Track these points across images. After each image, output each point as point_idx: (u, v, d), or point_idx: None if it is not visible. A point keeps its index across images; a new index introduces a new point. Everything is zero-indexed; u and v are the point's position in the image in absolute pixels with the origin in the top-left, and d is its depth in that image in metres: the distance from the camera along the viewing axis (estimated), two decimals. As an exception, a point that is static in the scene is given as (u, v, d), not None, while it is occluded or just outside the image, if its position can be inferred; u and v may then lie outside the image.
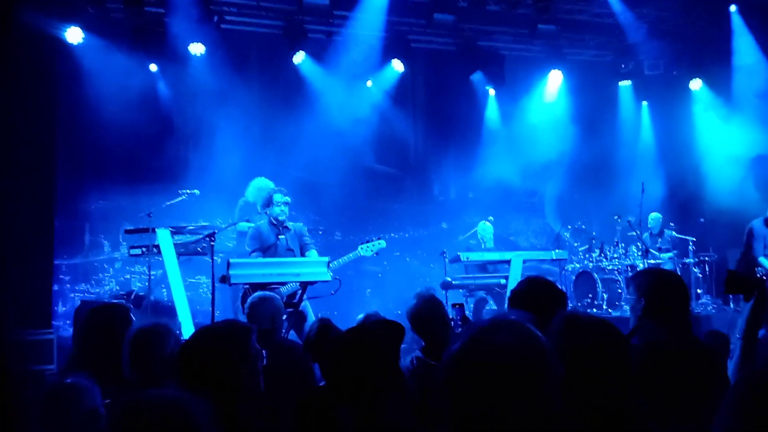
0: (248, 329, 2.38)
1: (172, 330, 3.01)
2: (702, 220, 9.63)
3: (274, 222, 6.13)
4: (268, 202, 6.14)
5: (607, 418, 1.75)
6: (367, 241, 6.22)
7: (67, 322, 7.76)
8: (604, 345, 1.80)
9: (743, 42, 9.53)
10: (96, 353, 3.04)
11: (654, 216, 9.32)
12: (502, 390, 1.29)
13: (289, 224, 6.24)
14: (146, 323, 3.05)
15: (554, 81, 10.58)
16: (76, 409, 2.32)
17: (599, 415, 1.73)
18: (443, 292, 7.52)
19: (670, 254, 8.98)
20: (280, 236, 6.13)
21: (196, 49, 8.65)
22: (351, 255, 6.13)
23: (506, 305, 3.05)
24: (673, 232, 9.31)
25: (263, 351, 2.59)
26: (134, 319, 3.51)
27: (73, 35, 7.92)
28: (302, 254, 6.16)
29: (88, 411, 2.33)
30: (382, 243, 6.24)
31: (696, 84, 10.36)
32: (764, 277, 6.54)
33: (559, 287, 3.02)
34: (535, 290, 2.86)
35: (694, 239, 8.96)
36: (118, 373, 2.85)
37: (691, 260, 8.77)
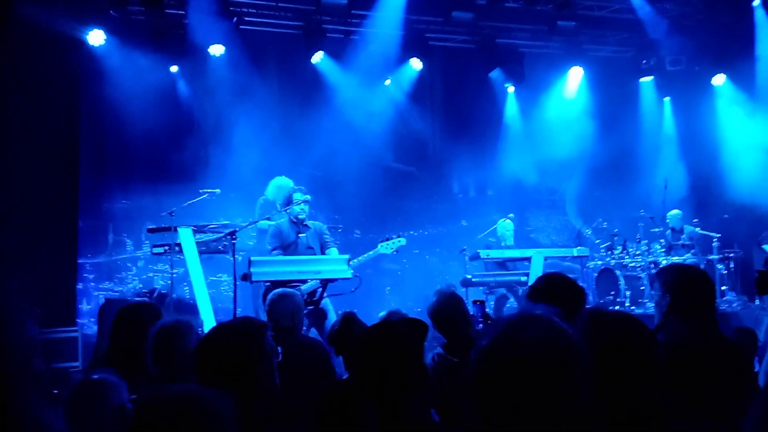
0: (263, 326, 2.40)
1: (193, 326, 3.05)
2: (726, 216, 9.48)
3: (294, 220, 6.16)
4: (288, 201, 6.17)
5: (635, 415, 1.73)
6: (387, 239, 6.22)
7: (92, 319, 7.87)
8: (632, 341, 1.79)
9: (767, 36, 9.37)
10: (126, 350, 3.08)
11: (672, 213, 9.22)
12: (532, 384, 1.28)
13: (309, 222, 6.27)
14: (168, 320, 3.08)
15: (574, 77, 10.50)
16: (105, 405, 2.35)
17: (627, 412, 1.71)
18: (463, 289, 7.50)
19: (692, 251, 8.88)
20: (300, 234, 6.16)
21: (216, 49, 8.73)
22: (371, 253, 6.14)
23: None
24: (697, 229, 9.19)
25: (279, 348, 2.61)
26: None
27: (96, 37, 8.03)
28: (322, 252, 6.19)
29: (116, 406, 2.36)
30: (402, 240, 6.24)
31: (719, 79, 10.20)
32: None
33: (579, 283, 3.01)
34: (554, 285, 2.85)
35: (719, 235, 8.83)
36: (144, 369, 2.89)
37: (716, 257, 8.65)
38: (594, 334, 1.83)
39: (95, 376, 2.48)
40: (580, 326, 1.87)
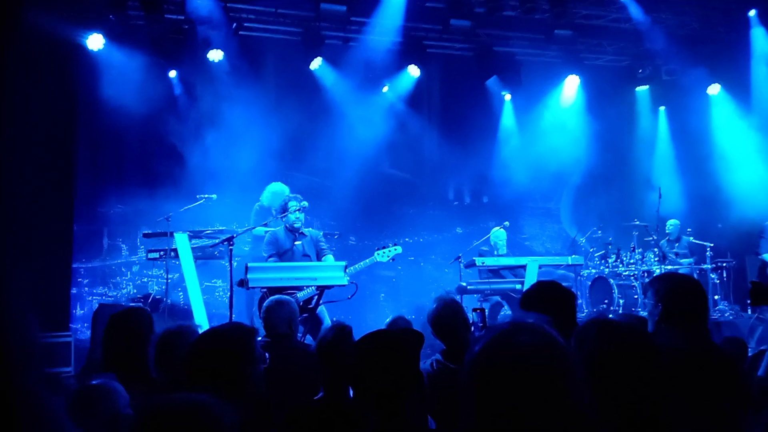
0: (252, 331, 2.42)
1: (197, 332, 3.05)
2: (720, 225, 9.54)
3: (290, 228, 6.17)
4: (284, 209, 6.17)
5: (641, 423, 1.74)
6: (384, 247, 6.24)
7: (85, 325, 7.86)
8: (636, 349, 1.80)
9: (762, 47, 9.46)
10: (120, 356, 3.08)
11: (672, 222, 9.27)
12: (523, 390, 1.30)
13: (305, 230, 6.28)
14: (172, 325, 3.08)
15: (571, 86, 10.55)
16: (107, 410, 2.35)
17: (633, 419, 1.73)
18: (458, 297, 7.51)
19: (688, 260, 8.91)
20: (296, 242, 6.17)
21: (215, 55, 8.74)
22: (367, 261, 6.15)
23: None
24: (691, 238, 9.25)
25: (274, 354, 2.61)
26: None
27: (94, 42, 8.04)
28: (318, 260, 6.19)
29: (117, 412, 2.37)
30: (398, 249, 6.26)
31: (714, 89, 10.27)
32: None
33: (571, 290, 3.04)
34: (546, 293, 2.88)
35: (712, 245, 8.88)
36: (145, 375, 2.88)
37: (709, 266, 8.69)
38: (601, 342, 1.85)
39: (96, 382, 2.49)
40: (583, 335, 1.89)
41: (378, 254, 6.19)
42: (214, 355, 2.24)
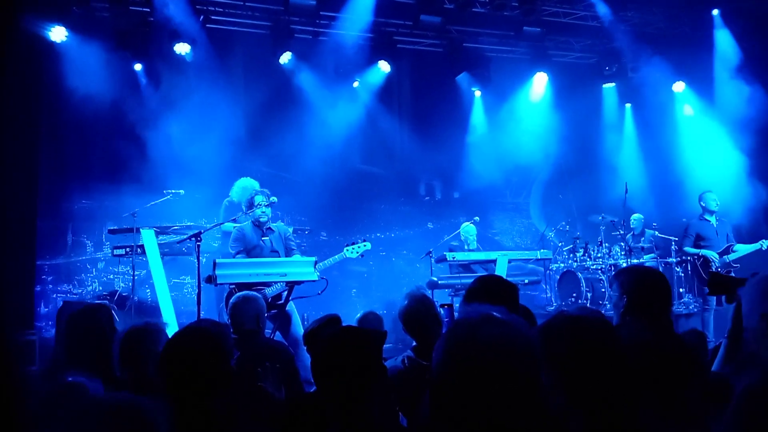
0: (226, 327, 2.41)
1: (163, 329, 3.00)
2: (684, 220, 9.75)
3: (257, 224, 6.11)
4: (250, 204, 6.11)
5: (608, 416, 1.76)
6: (353, 243, 6.22)
7: (50, 323, 7.69)
8: (599, 343, 1.82)
9: (725, 46, 9.67)
10: (84, 354, 3.01)
11: (636, 217, 9.45)
12: (494, 381, 1.31)
13: (274, 225, 6.22)
14: (137, 323, 3.03)
15: (539, 82, 10.65)
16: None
17: (601, 412, 1.75)
18: (429, 291, 7.54)
19: (652, 254, 9.09)
20: (264, 238, 6.11)
21: (182, 48, 8.58)
22: (336, 257, 6.12)
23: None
24: (656, 232, 9.43)
25: (242, 351, 2.58)
26: (117, 319, 3.48)
27: (57, 34, 7.84)
28: (287, 256, 6.14)
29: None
30: (368, 245, 6.25)
31: (679, 86, 10.48)
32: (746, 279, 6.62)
33: (510, 285, 3.06)
34: (489, 287, 2.91)
35: (677, 239, 9.07)
36: (108, 374, 2.82)
37: (674, 260, 8.88)
38: (566, 338, 1.87)
39: (71, 379, 2.44)
40: (548, 330, 1.90)
41: (347, 250, 6.17)
42: (192, 354, 2.22)
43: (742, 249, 7.73)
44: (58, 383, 2.46)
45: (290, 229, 6.45)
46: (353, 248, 6.17)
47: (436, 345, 1.41)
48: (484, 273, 8.20)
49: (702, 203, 7.96)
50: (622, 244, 8.76)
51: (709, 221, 7.93)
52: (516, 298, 2.93)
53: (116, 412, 1.45)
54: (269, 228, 6.15)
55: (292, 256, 6.11)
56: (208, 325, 2.42)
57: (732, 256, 7.65)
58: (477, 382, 1.32)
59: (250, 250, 6.03)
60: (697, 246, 7.88)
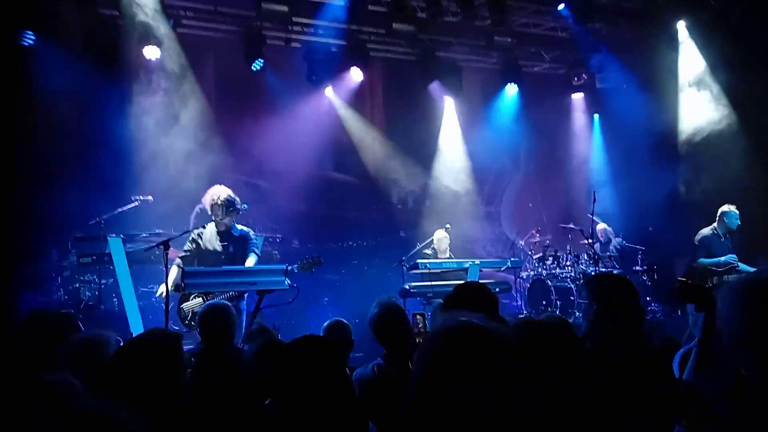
0: (179, 336, 2.39)
1: (112, 339, 2.98)
2: (651, 229, 9.93)
3: (219, 229, 6.09)
4: (212, 209, 6.09)
5: (567, 416, 1.77)
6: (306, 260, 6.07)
7: (12, 332, 7.46)
8: (561, 346, 1.83)
9: (690, 56, 9.91)
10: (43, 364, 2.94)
11: (601, 227, 9.60)
12: (474, 389, 1.30)
13: (237, 228, 6.20)
14: (86, 333, 2.99)
15: (510, 92, 10.76)
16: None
17: (561, 412, 1.76)
18: (401, 300, 7.53)
19: (617, 262, 9.23)
20: (222, 242, 6.09)
21: (151, 52, 8.46)
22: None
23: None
24: (623, 241, 9.58)
25: (193, 360, 2.55)
26: (83, 328, 3.41)
27: (25, 39, 7.66)
28: (244, 259, 6.09)
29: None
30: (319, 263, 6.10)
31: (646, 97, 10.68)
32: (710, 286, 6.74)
33: (491, 292, 3.07)
34: (468, 295, 2.92)
35: (643, 248, 9.23)
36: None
37: (640, 268, 9.02)
38: (527, 342, 1.88)
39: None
40: (514, 335, 1.91)
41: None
42: (141, 363, 2.19)
43: (744, 269, 7.45)
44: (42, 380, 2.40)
45: (250, 231, 6.37)
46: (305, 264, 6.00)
47: (417, 352, 1.40)
48: (456, 281, 8.23)
49: (726, 219, 7.62)
50: (590, 252, 8.88)
51: (721, 238, 7.67)
52: (496, 305, 2.94)
53: (93, 419, 1.41)
54: (231, 233, 6.12)
55: (248, 256, 6.05)
56: (158, 334, 2.40)
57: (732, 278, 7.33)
58: (459, 389, 1.31)
59: (206, 254, 5.99)
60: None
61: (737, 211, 7.67)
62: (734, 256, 7.56)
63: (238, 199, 6.18)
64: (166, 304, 5.47)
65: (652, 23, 10.03)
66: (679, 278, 2.75)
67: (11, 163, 7.91)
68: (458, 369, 1.33)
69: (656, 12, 9.83)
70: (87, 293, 7.84)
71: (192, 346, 4.12)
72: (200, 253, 6.06)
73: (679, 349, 3.17)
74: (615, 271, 8.78)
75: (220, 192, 6.26)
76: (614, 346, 2.56)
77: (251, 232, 6.35)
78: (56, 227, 8.22)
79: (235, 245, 6.08)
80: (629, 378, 2.39)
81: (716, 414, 2.15)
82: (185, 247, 6.06)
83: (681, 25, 9.92)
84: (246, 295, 6.04)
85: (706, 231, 7.78)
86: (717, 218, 7.74)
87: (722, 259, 7.55)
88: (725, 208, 7.70)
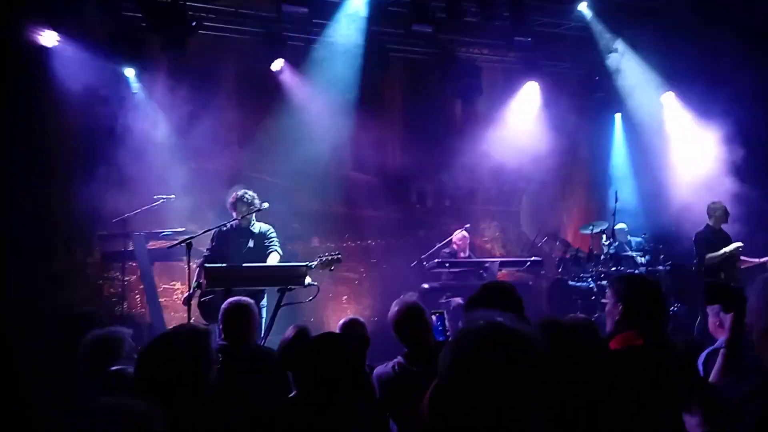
0: (207, 332, 2.38)
1: (125, 337, 3.01)
2: (673, 228, 9.81)
3: (239, 226, 6.18)
4: (234, 207, 6.20)
5: (585, 419, 1.77)
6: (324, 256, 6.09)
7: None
8: (584, 348, 1.83)
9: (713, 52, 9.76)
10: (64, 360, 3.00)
11: (619, 227, 9.49)
12: (500, 389, 1.31)
13: (255, 226, 6.27)
14: (99, 332, 3.03)
15: (530, 91, 10.71)
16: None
17: (578, 415, 1.75)
18: (420, 299, 7.53)
19: (642, 260, 9.13)
20: (241, 238, 6.18)
21: (174, 54, 8.54)
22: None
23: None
24: (643, 241, 9.48)
25: (220, 356, 2.57)
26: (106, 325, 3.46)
27: (48, 39, 7.79)
28: (266, 256, 6.15)
29: None
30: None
31: (668, 96, 10.57)
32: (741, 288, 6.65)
33: (517, 292, 3.04)
34: (494, 295, 2.90)
35: (661, 246, 9.13)
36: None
37: (663, 268, 8.92)
38: (550, 343, 1.88)
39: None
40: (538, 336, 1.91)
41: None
42: (167, 360, 2.20)
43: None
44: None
45: (271, 229, 6.44)
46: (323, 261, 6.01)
47: (443, 352, 1.40)
48: (476, 281, 8.21)
49: (716, 213, 7.95)
50: (612, 252, 8.80)
51: (717, 232, 7.93)
52: (521, 306, 2.92)
53: (114, 416, 1.43)
54: (251, 230, 6.20)
55: (270, 254, 6.13)
56: (190, 328, 2.41)
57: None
58: (486, 389, 1.31)
59: (227, 252, 6.02)
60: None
61: (724, 204, 7.99)
62: (740, 243, 7.71)
63: (257, 198, 6.25)
64: (189, 300, 5.53)
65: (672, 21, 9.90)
66: (706, 280, 2.73)
67: (36, 162, 8.05)
68: (488, 370, 1.33)
69: (676, 11, 9.70)
70: (110, 290, 7.96)
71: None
72: (222, 251, 6.12)
73: (704, 350, 3.14)
74: (636, 271, 8.70)
75: (240, 191, 6.33)
76: (640, 347, 2.54)
77: (271, 230, 6.40)
78: (80, 225, 8.34)
79: (256, 242, 6.14)
80: (656, 378, 2.37)
81: (742, 414, 2.13)
82: (208, 244, 6.14)
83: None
84: (265, 292, 6.09)
85: (700, 229, 8.04)
86: (707, 214, 8.01)
87: (727, 249, 7.67)
88: (710, 203, 8.06)
